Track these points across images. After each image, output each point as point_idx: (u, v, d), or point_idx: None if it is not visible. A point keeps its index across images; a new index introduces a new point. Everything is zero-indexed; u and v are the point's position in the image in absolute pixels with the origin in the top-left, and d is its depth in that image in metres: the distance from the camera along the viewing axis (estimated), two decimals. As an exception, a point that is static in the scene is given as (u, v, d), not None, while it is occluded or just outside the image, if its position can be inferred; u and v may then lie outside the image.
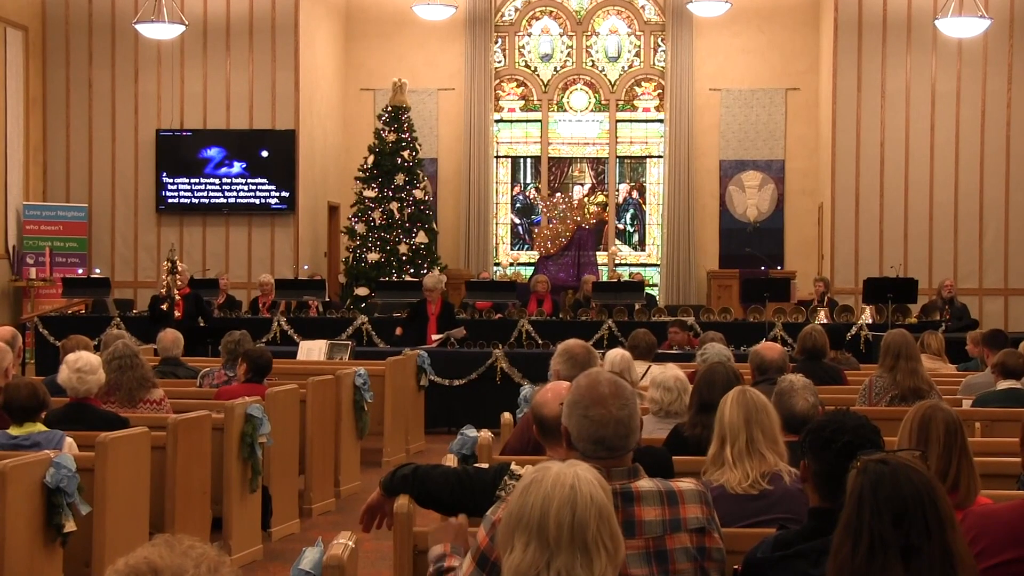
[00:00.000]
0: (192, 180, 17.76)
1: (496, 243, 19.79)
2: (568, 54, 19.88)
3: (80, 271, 17.17)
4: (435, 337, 12.55)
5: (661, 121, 19.45)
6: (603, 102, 19.75)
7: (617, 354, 6.78)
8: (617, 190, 19.78)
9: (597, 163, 19.87)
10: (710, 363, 5.67)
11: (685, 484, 3.07)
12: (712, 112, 19.04)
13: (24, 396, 5.63)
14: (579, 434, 3.06)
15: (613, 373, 3.33)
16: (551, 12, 19.90)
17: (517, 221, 20.04)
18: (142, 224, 17.94)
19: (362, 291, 16.90)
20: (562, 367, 5.04)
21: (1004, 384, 7.05)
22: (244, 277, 17.48)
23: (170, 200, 17.79)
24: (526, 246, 19.88)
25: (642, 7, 19.67)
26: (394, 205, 17.38)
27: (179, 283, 12.35)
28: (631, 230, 19.90)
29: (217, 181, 17.73)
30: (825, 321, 13.28)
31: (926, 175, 17.15)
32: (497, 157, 19.81)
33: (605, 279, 17.75)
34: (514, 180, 20.04)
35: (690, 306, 15.12)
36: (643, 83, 19.69)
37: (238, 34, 17.72)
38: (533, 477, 2.42)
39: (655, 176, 19.73)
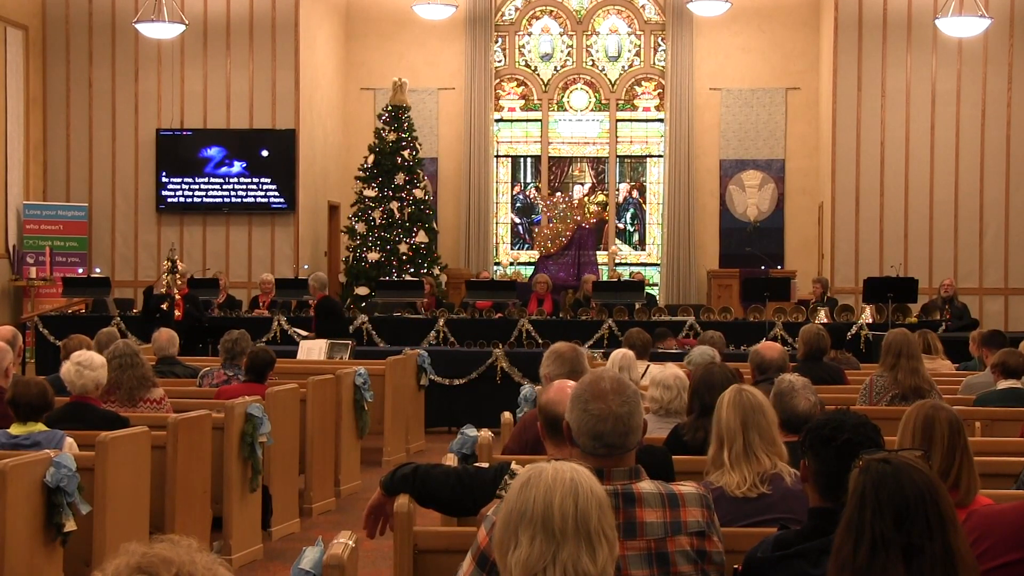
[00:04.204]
0: (192, 180, 17.76)
1: (496, 242, 19.79)
2: (568, 53, 19.88)
3: (80, 271, 17.17)
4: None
5: (661, 120, 19.45)
6: (603, 101, 19.74)
7: (619, 353, 6.78)
8: (617, 189, 19.77)
9: (597, 162, 19.87)
10: (707, 364, 5.67)
11: (686, 487, 3.07)
12: (712, 111, 19.04)
13: (34, 394, 5.64)
14: (579, 428, 3.07)
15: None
16: (551, 11, 19.90)
17: (517, 220, 20.04)
18: (142, 223, 17.94)
19: (362, 290, 16.90)
20: (552, 368, 5.03)
21: (1004, 384, 7.05)
22: (244, 277, 17.47)
23: (170, 200, 17.79)
24: (526, 245, 19.88)
25: (642, 6, 19.66)
26: (394, 204, 17.38)
27: (179, 283, 12.35)
28: (631, 229, 19.90)
29: (217, 181, 17.73)
30: (825, 320, 13.28)
31: (926, 175, 17.15)
32: (497, 156, 19.80)
33: (605, 278, 17.76)
34: (514, 179, 20.04)
35: (690, 306, 15.11)
36: (643, 82, 19.69)
37: (238, 34, 17.72)
38: (530, 474, 2.43)
39: (655, 175, 19.73)
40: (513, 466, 3.68)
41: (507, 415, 6.16)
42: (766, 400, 4.05)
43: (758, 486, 3.81)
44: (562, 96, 19.86)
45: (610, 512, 2.39)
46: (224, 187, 17.71)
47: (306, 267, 17.44)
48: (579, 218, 18.87)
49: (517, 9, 19.84)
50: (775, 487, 3.83)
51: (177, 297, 12.34)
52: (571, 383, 3.78)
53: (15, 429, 5.66)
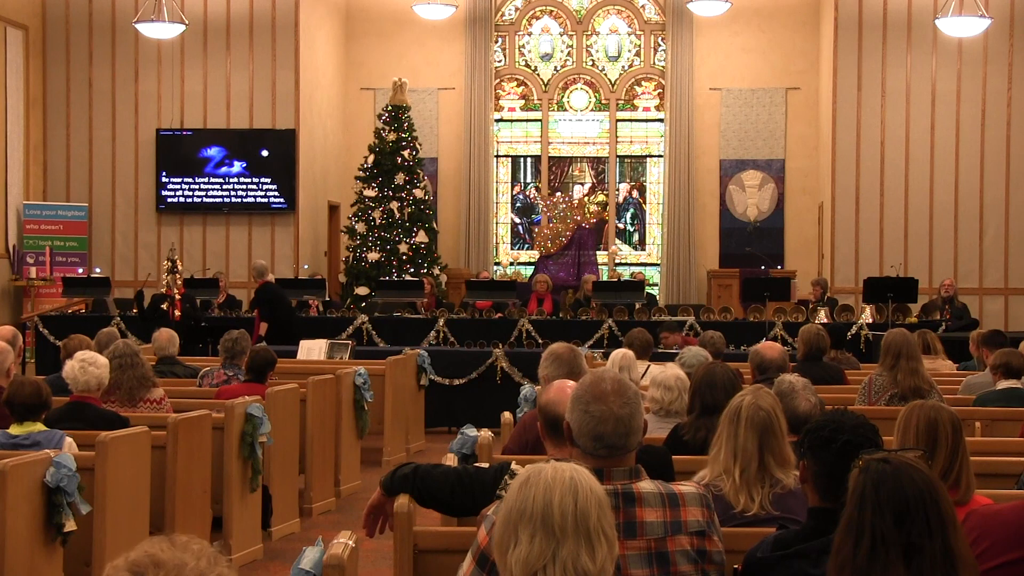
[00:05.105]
0: (192, 180, 17.76)
1: (496, 242, 19.79)
2: (568, 53, 19.88)
3: (80, 270, 17.17)
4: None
5: (661, 120, 19.45)
6: (603, 101, 19.74)
7: (619, 353, 6.77)
8: (617, 189, 19.77)
9: (597, 162, 19.87)
10: (708, 363, 5.66)
11: (686, 487, 3.07)
12: (712, 111, 19.04)
13: (28, 394, 5.64)
14: (579, 430, 3.06)
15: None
16: (551, 11, 19.90)
17: (517, 220, 20.04)
18: (142, 223, 17.94)
19: (362, 290, 16.90)
20: (549, 370, 5.03)
21: (1004, 384, 7.05)
22: (244, 277, 17.46)
23: (170, 200, 17.79)
24: (526, 245, 19.88)
25: (642, 6, 19.66)
26: (394, 204, 17.38)
27: (178, 282, 12.36)
28: (631, 229, 19.90)
29: (217, 181, 17.73)
30: (825, 320, 13.28)
31: (926, 175, 17.15)
32: (497, 156, 19.80)
33: (605, 278, 17.76)
34: (514, 179, 20.04)
35: (690, 306, 15.11)
36: (643, 82, 19.69)
37: (238, 33, 17.72)
38: (530, 473, 2.43)
39: (655, 175, 19.73)
40: (513, 466, 3.68)
41: (507, 415, 6.16)
42: (777, 411, 3.89)
43: (768, 506, 3.73)
44: (562, 96, 19.86)
45: (609, 511, 2.40)
46: (224, 187, 17.71)
47: (306, 267, 17.45)
48: (579, 218, 18.87)
49: (517, 9, 19.84)
50: (779, 501, 3.79)
51: (176, 297, 12.34)
52: (571, 383, 3.78)
53: (15, 429, 5.66)
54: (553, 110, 19.81)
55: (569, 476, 2.39)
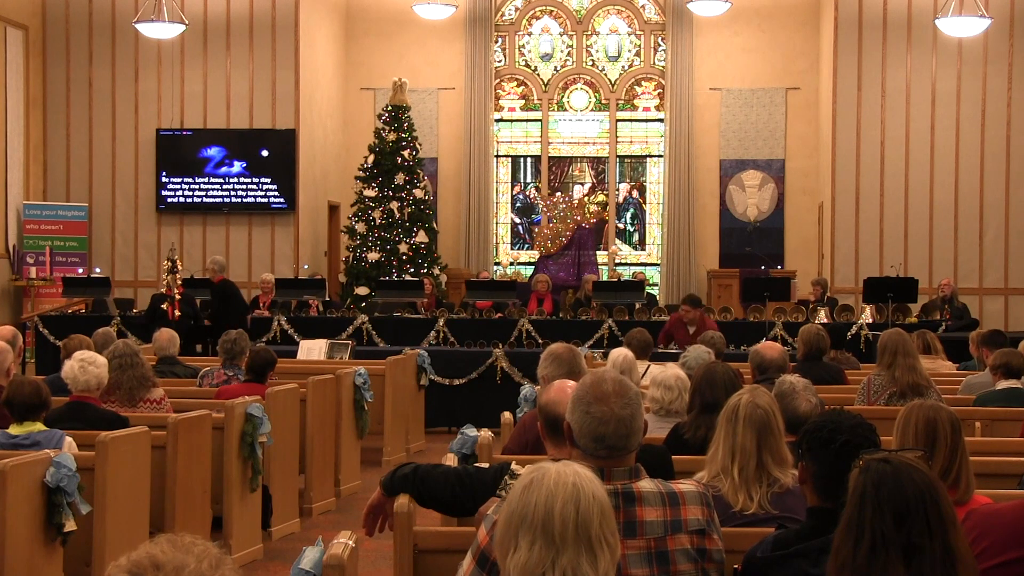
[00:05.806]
0: (192, 180, 17.76)
1: (496, 242, 19.79)
2: (568, 53, 19.88)
3: (80, 270, 17.17)
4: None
5: (661, 120, 19.45)
6: (603, 101, 19.74)
7: (620, 353, 6.76)
8: (617, 189, 19.78)
9: (597, 162, 19.87)
10: (708, 362, 5.67)
11: (686, 486, 3.07)
12: (712, 111, 19.04)
13: (27, 394, 5.64)
14: (580, 431, 3.06)
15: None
16: (551, 11, 19.90)
17: (517, 220, 20.04)
18: (142, 223, 17.94)
19: (362, 290, 16.90)
20: (549, 370, 5.03)
21: (1004, 384, 7.05)
22: (244, 276, 17.46)
23: (170, 200, 17.78)
24: (526, 245, 19.88)
25: (642, 6, 19.67)
26: (394, 204, 17.38)
27: (178, 282, 12.37)
28: (631, 229, 19.90)
29: (217, 181, 17.73)
30: (825, 320, 13.28)
31: (926, 175, 17.15)
32: (497, 156, 19.80)
33: (605, 278, 17.76)
34: (514, 179, 20.04)
35: (690, 306, 15.09)
36: (643, 82, 19.69)
37: (238, 33, 17.72)
38: (532, 476, 2.41)
39: (655, 175, 19.73)
40: (513, 466, 3.68)
41: (507, 415, 6.16)
42: (775, 410, 3.89)
43: (766, 505, 3.72)
44: (562, 96, 19.86)
45: (612, 517, 2.38)
46: (224, 187, 17.71)
47: (306, 267, 17.45)
48: (579, 218, 18.87)
49: (517, 9, 19.84)
50: (779, 504, 3.79)
51: (176, 297, 12.35)
52: (571, 383, 3.78)
53: (14, 429, 5.66)
54: (553, 110, 19.82)
55: (572, 482, 2.36)
